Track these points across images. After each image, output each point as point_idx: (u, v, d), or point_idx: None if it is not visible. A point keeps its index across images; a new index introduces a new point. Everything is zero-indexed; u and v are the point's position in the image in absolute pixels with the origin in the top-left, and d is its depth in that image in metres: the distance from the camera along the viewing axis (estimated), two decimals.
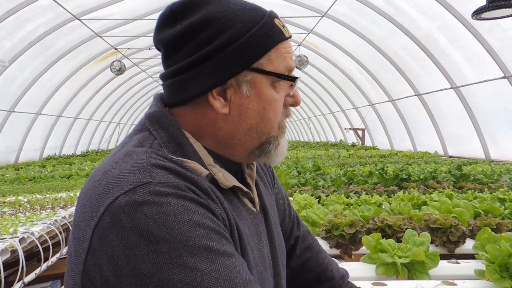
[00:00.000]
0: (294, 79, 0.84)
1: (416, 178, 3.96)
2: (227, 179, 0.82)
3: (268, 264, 0.86)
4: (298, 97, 0.89)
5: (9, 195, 4.01)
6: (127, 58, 11.99)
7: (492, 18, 4.15)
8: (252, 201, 0.89)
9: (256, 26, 0.80)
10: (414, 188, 3.39)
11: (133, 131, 0.84)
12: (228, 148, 0.85)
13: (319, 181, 3.98)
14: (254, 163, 0.95)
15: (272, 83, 0.83)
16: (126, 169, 0.70)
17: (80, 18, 8.49)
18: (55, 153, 12.83)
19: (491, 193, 3.02)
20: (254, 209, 0.88)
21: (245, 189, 0.86)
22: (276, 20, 0.84)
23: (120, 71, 10.49)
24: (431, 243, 1.94)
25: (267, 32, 0.81)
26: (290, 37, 0.87)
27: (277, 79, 0.82)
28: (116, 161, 0.74)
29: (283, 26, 0.85)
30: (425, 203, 2.70)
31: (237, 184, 0.84)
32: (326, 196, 3.15)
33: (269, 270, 0.86)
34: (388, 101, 11.09)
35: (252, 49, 0.79)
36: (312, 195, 3.14)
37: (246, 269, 0.70)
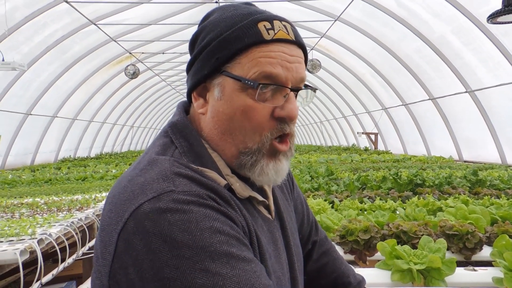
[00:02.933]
0: (256, 85, 0.76)
1: (431, 184, 3.93)
2: (244, 190, 0.83)
3: (286, 269, 0.87)
4: (290, 110, 0.79)
5: (27, 197, 4.08)
6: (141, 62, 12.13)
7: (508, 22, 4.10)
8: (267, 208, 0.90)
9: (231, 29, 0.80)
10: (429, 194, 3.36)
11: (156, 138, 0.88)
12: (217, 152, 0.85)
13: (332, 186, 3.97)
14: None
15: (243, 88, 0.78)
16: (150, 177, 0.73)
17: (96, 23, 8.63)
18: (69, 156, 13.01)
19: (508, 199, 2.98)
20: (269, 216, 0.90)
21: (260, 199, 0.87)
22: (260, 23, 0.79)
23: (134, 75, 10.61)
24: (447, 249, 1.93)
25: (238, 35, 0.78)
26: (281, 40, 0.79)
27: (250, 85, 0.77)
28: (141, 169, 0.77)
29: (272, 29, 0.79)
30: (440, 209, 2.68)
31: (253, 194, 0.85)
32: (340, 201, 3.14)
33: (287, 275, 0.87)
34: (402, 105, 11.00)
35: (219, 51, 0.80)
36: (325, 200, 3.14)
37: (265, 274, 0.72)
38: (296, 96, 0.82)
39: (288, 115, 0.80)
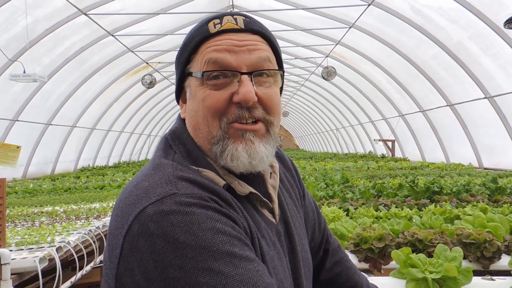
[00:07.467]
0: (201, 73, 0.82)
1: (449, 191, 3.86)
2: (243, 186, 0.85)
3: (288, 274, 0.87)
4: (243, 94, 0.80)
5: (46, 205, 4.17)
6: (158, 72, 12.32)
7: None
8: (271, 211, 0.91)
9: (189, 35, 0.88)
10: (446, 202, 3.31)
11: (158, 145, 0.92)
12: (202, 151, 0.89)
13: (347, 194, 3.94)
14: (277, 172, 0.96)
15: (202, 82, 0.84)
16: (154, 182, 0.76)
17: (113, 34, 8.82)
18: (88, 165, 13.23)
19: None
20: (273, 219, 0.90)
21: (263, 198, 0.88)
22: (210, 22, 0.85)
23: (151, 84, 10.76)
24: (464, 258, 1.89)
25: (192, 37, 0.86)
26: (228, 30, 0.83)
27: (203, 77, 0.83)
28: (145, 174, 0.80)
29: (220, 23, 0.84)
30: (457, 217, 2.63)
31: (253, 190, 0.86)
32: (355, 209, 3.11)
33: (289, 279, 0.87)
34: (419, 111, 10.87)
35: (181, 56, 0.89)
36: (340, 208, 3.12)
37: (267, 273, 0.73)
38: (251, 79, 0.83)
39: (242, 99, 0.81)
